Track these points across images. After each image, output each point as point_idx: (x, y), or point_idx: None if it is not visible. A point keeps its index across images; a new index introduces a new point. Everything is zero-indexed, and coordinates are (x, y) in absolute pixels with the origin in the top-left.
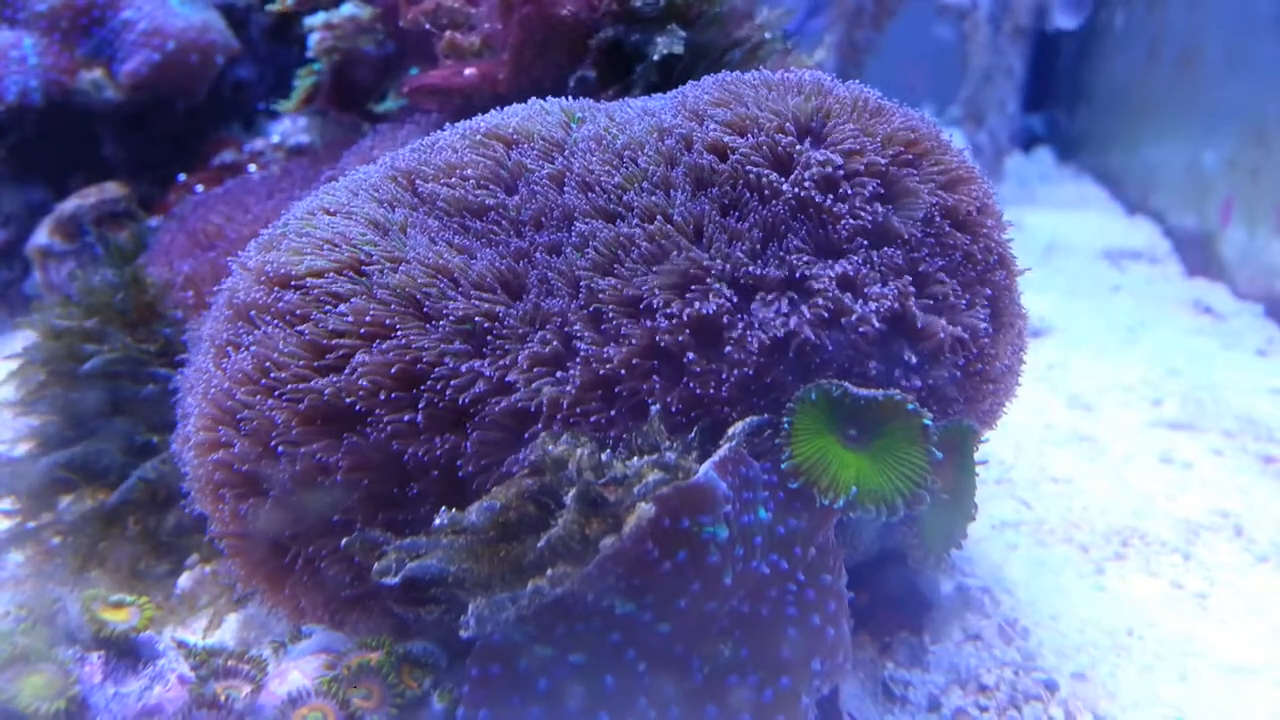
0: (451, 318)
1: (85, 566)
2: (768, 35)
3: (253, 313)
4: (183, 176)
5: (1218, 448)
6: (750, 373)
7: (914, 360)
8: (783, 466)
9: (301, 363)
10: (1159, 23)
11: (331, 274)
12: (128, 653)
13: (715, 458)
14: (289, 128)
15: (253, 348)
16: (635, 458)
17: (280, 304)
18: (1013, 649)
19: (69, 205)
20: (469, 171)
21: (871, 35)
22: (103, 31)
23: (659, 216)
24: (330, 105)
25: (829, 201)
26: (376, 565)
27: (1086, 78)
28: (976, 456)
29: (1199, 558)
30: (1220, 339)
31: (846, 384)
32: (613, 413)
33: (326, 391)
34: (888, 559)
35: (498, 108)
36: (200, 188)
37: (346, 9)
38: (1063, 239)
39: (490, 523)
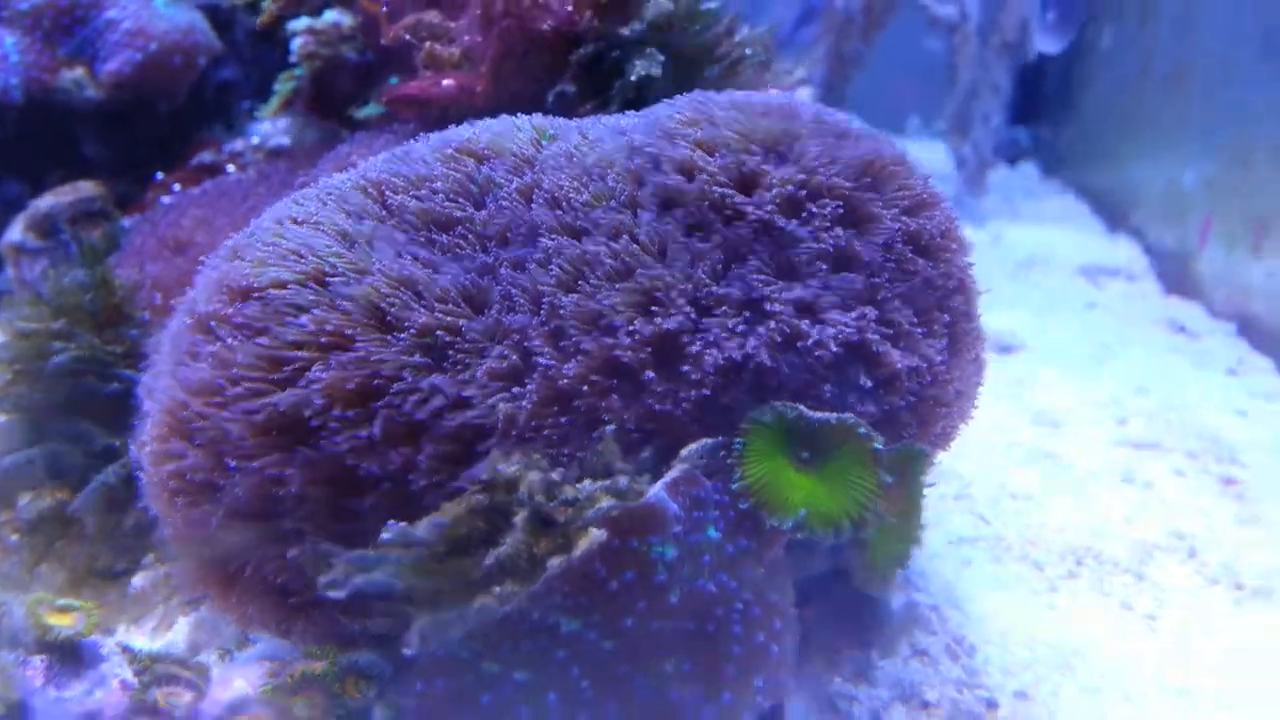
0: (413, 329)
1: (40, 563)
2: (748, 52)
3: (212, 323)
4: (160, 175)
5: (1180, 468)
6: (708, 392)
7: (869, 385)
8: (733, 487)
9: (258, 374)
10: (1148, 41)
11: (294, 286)
12: (71, 657)
13: (666, 479)
14: (270, 129)
15: (209, 359)
16: (588, 480)
17: (239, 316)
18: (958, 666)
19: (44, 203)
20: (439, 184)
21: (860, 48)
22: (85, 30)
23: (625, 235)
24: (310, 111)
25: (790, 225)
26: (323, 579)
27: (1073, 94)
28: (928, 478)
29: (1151, 579)
30: (1192, 358)
31: (801, 407)
32: (568, 429)
33: (282, 404)
34: (839, 575)
35: (475, 119)
36: (178, 187)
37: (330, 15)
38: (1042, 254)
39: (439, 539)
